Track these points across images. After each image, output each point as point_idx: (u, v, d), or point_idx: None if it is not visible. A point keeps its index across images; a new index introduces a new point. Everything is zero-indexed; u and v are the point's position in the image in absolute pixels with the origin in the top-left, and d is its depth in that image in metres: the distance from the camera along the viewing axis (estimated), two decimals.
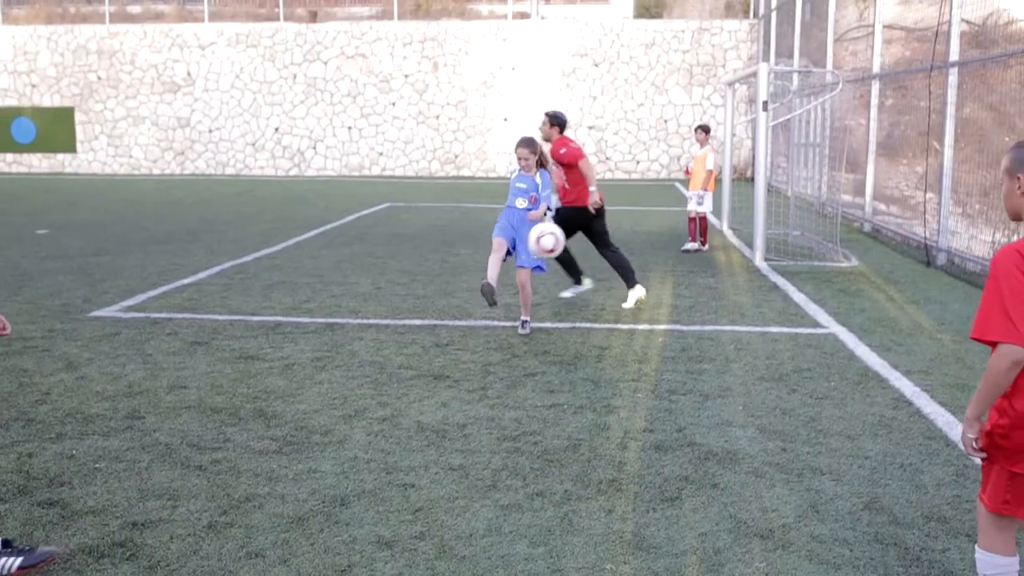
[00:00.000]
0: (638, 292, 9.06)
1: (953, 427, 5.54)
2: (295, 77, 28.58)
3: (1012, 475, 2.99)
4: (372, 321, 8.44)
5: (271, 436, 5.38)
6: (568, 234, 8.53)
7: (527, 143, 8.08)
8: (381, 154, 28.58)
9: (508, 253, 8.09)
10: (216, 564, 3.84)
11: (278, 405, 5.96)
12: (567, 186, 8.93)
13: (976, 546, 3.25)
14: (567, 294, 9.50)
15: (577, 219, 8.96)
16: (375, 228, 15.71)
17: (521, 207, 8.04)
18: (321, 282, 10.40)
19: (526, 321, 8.04)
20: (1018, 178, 2.95)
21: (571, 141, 9.00)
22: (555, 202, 8.69)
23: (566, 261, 9.20)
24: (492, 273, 7.82)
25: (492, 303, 7.73)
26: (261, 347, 7.45)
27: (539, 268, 8.09)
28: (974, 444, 3.06)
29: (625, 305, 9.04)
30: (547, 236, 7.67)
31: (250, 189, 24.00)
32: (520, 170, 8.11)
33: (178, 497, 4.50)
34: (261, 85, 28.69)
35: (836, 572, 3.80)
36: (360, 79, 28.37)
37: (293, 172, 28.97)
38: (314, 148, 28.84)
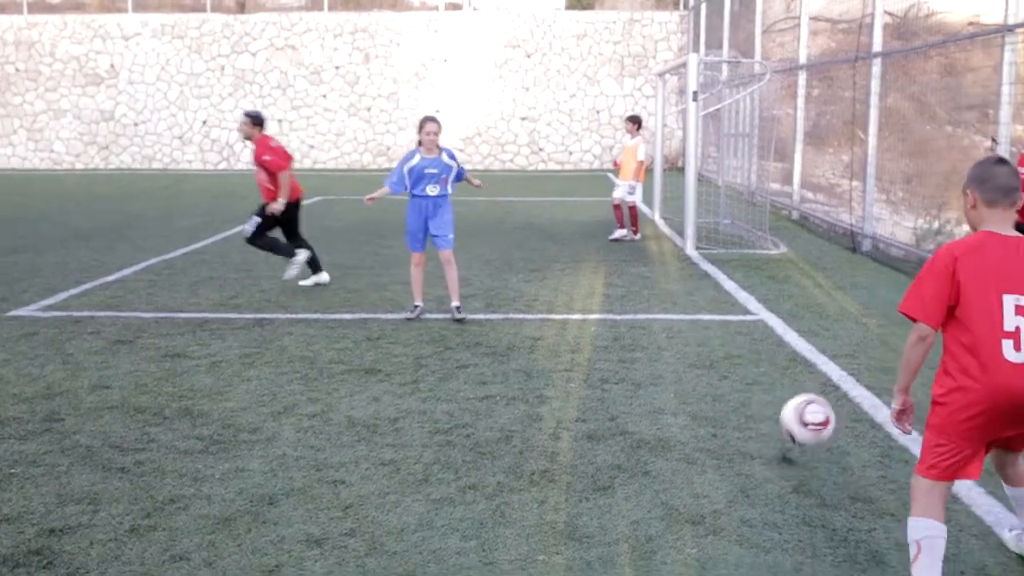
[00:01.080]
0: (321, 278, 9.68)
1: (879, 409, 5.64)
2: (223, 69, 28.04)
3: (947, 441, 3.25)
4: (302, 316, 8.31)
5: (197, 435, 5.25)
6: (272, 227, 9.41)
7: (436, 119, 8.02)
8: (312, 147, 28.21)
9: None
10: (139, 569, 3.73)
11: (205, 403, 5.82)
12: (270, 185, 9.31)
13: (909, 517, 3.37)
14: (293, 273, 9.60)
15: (282, 212, 9.31)
16: (306, 221, 15.44)
17: (432, 194, 7.95)
18: (250, 277, 10.22)
19: (459, 306, 8.05)
20: (966, 194, 3.34)
21: (271, 140, 9.39)
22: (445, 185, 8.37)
23: (274, 246, 9.55)
24: (418, 292, 8.20)
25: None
26: (188, 344, 7.28)
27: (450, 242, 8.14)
28: (896, 415, 3.46)
29: (290, 272, 9.54)
30: (814, 409, 4.62)
31: (177, 183, 23.50)
32: (420, 152, 7.94)
33: (99, 501, 4.36)
34: (188, 77, 28.09)
35: (766, 555, 3.84)
36: (290, 71, 27.96)
37: (222, 166, 28.43)
38: (243, 141, 28.31)
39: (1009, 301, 3.13)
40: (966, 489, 4.47)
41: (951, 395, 3.21)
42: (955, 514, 4.21)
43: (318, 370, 6.56)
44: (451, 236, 8.10)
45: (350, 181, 23.85)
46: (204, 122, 28.30)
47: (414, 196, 7.97)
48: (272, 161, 9.19)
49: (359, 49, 27.88)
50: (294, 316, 8.29)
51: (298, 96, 28.04)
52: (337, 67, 27.94)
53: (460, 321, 7.95)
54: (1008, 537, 3.88)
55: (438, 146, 7.97)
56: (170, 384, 6.23)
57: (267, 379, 6.34)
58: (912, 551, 3.30)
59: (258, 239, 9.47)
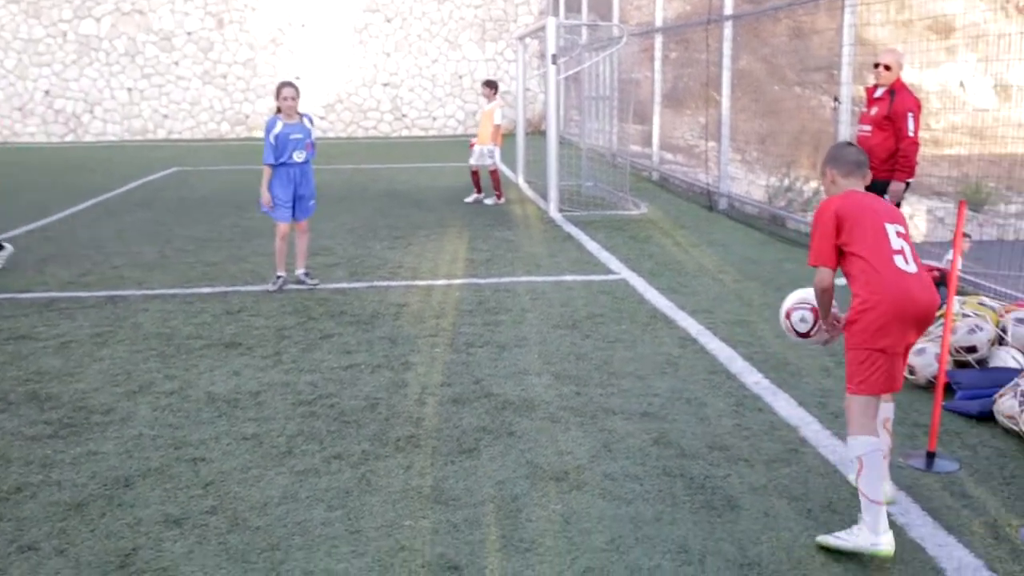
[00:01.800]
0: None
1: (734, 361, 5.86)
2: (65, 35, 26.55)
3: (868, 353, 3.58)
4: (158, 291, 8.01)
5: (45, 420, 5.01)
6: None
7: (293, 84, 7.88)
8: (166, 116, 27.11)
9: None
10: None
11: (53, 386, 5.55)
12: None
13: (848, 436, 3.63)
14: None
15: None
16: (162, 194, 14.91)
17: (299, 160, 7.82)
18: (101, 253, 9.77)
19: (308, 272, 8.11)
20: (825, 173, 3.90)
21: None
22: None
23: None
24: (282, 263, 7.98)
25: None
26: (33, 326, 6.91)
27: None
28: (832, 333, 3.99)
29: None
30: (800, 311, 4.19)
31: (20, 159, 22.17)
32: (281, 119, 7.76)
33: None
34: (26, 44, 26.48)
35: (628, 507, 3.94)
36: (139, 37, 26.70)
37: (69, 138, 27.02)
38: (91, 111, 26.98)
39: (890, 228, 3.66)
40: (813, 433, 4.70)
41: (861, 311, 3.59)
42: (803, 456, 4.43)
43: (175, 346, 6.34)
44: (313, 203, 8.06)
45: (207, 151, 23.05)
46: (46, 92, 26.80)
47: (282, 165, 7.78)
48: None
49: (211, 14, 26.85)
50: (150, 292, 7.98)
51: (148, 64, 26.84)
52: (189, 33, 26.86)
53: (312, 287, 7.98)
54: (853, 477, 4.10)
55: (298, 111, 7.82)
56: (14, 368, 5.91)
57: (121, 358, 6.10)
58: (855, 467, 3.57)
59: None
